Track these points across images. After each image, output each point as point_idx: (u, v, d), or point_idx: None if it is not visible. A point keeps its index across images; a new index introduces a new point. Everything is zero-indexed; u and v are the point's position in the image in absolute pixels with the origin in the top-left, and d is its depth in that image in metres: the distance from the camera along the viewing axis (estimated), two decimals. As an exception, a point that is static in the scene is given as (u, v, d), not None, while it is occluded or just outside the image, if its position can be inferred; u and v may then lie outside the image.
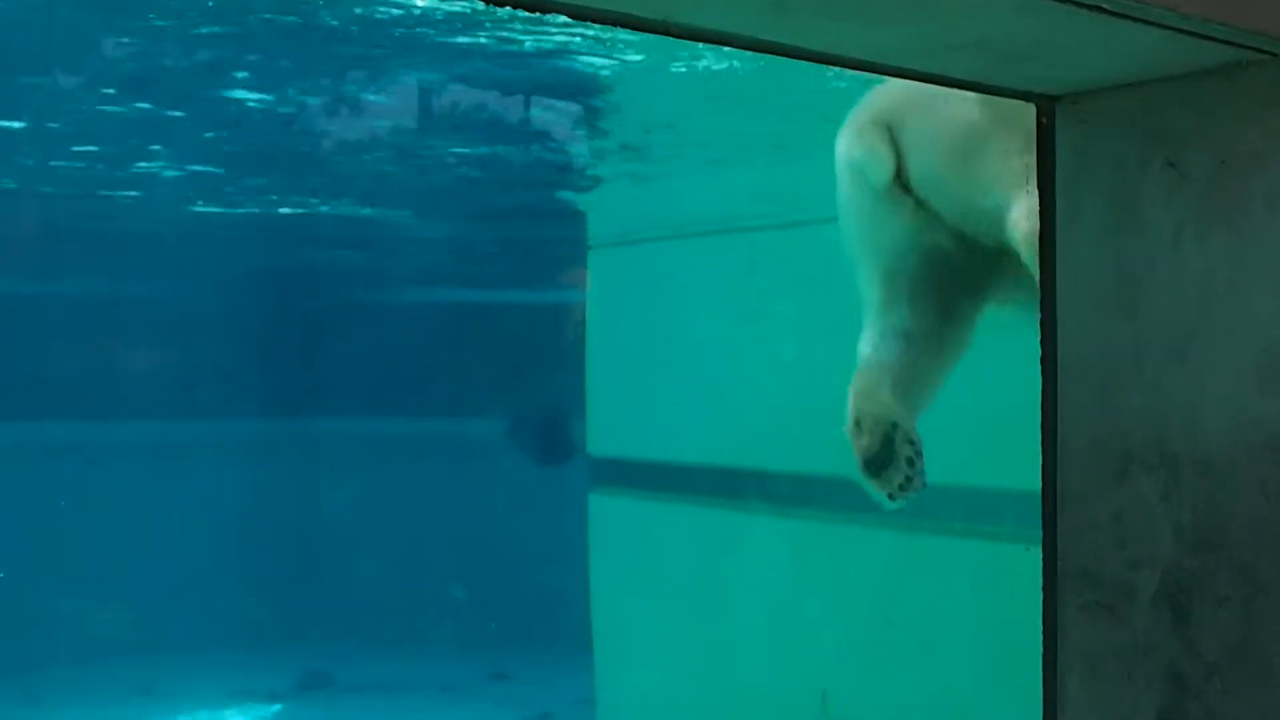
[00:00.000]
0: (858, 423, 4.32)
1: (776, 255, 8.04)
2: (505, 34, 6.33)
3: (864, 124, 4.23)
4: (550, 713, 12.29)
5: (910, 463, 4.33)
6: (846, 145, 4.33)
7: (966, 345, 4.56)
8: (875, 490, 4.38)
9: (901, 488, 4.35)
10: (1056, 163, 2.63)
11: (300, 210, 11.92)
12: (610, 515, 9.34)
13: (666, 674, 8.52)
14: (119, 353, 15.89)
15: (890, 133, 4.15)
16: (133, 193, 10.77)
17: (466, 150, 9.61)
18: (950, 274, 4.30)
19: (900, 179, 4.19)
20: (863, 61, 2.40)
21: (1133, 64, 2.39)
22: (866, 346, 4.44)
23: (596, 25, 2.13)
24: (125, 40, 7.31)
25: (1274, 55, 2.28)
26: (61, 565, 13.94)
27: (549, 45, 6.41)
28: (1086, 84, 2.53)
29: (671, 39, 2.12)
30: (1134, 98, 2.49)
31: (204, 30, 6.70)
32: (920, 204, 4.19)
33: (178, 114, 8.61)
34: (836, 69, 2.39)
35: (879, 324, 4.40)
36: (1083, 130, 2.58)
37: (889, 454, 4.31)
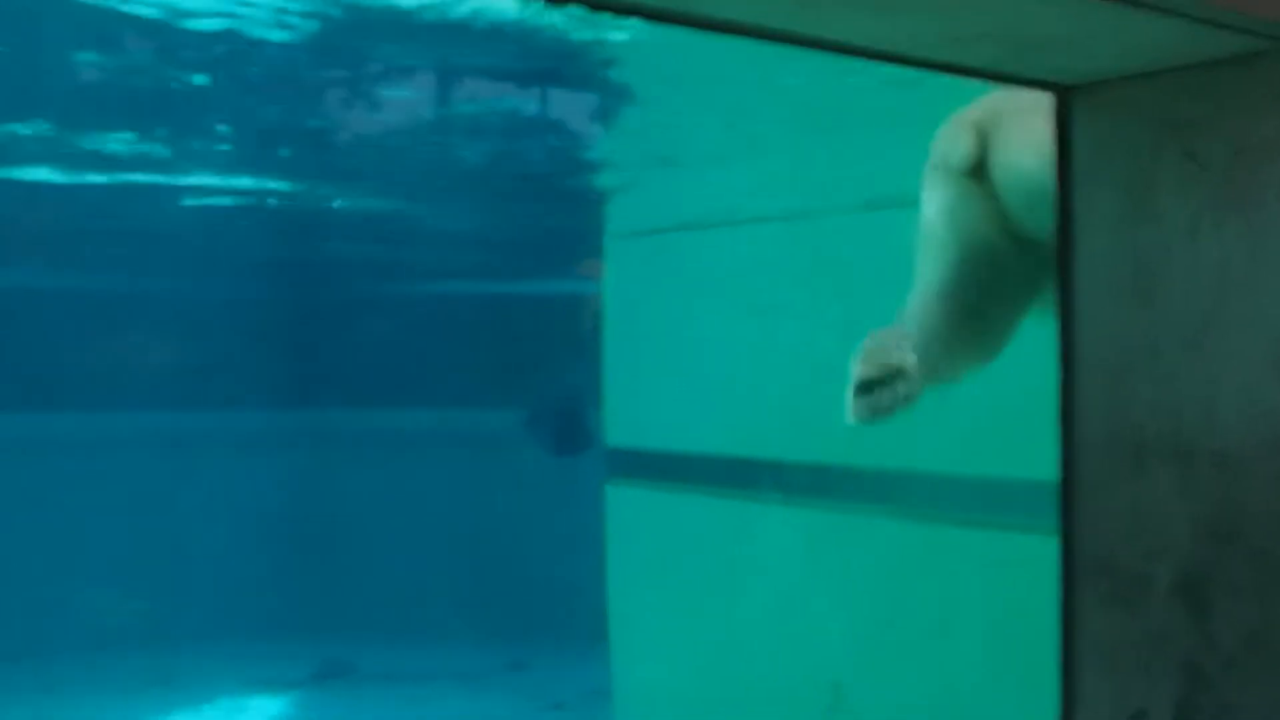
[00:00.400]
0: (864, 359, 4.35)
1: (793, 246, 8.04)
2: (521, 23, 6.34)
3: (958, 122, 4.47)
4: (565, 703, 12.31)
5: (906, 392, 4.32)
6: (936, 139, 4.58)
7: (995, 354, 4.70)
8: (853, 406, 4.36)
9: (877, 407, 4.32)
10: (1073, 153, 2.62)
11: (315, 203, 11.94)
12: (627, 506, 9.35)
13: (682, 665, 8.52)
14: (135, 344, 15.94)
15: (981, 132, 4.38)
16: (143, 179, 10.79)
17: (482, 141, 9.61)
18: (1003, 284, 4.45)
19: (984, 178, 4.38)
20: (878, 51, 2.40)
21: (1149, 53, 2.39)
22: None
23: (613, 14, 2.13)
24: (138, 32, 7.34)
25: (1291, 44, 2.28)
26: (79, 556, 14.00)
27: (565, 34, 6.41)
28: (1103, 73, 2.53)
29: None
30: (1150, 87, 2.49)
31: (216, 22, 6.71)
32: (1001, 209, 4.37)
33: (191, 106, 8.62)
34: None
35: (919, 318, 4.53)
36: (1099, 120, 2.58)
37: (886, 382, 4.32)
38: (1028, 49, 2.36)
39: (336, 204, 12.04)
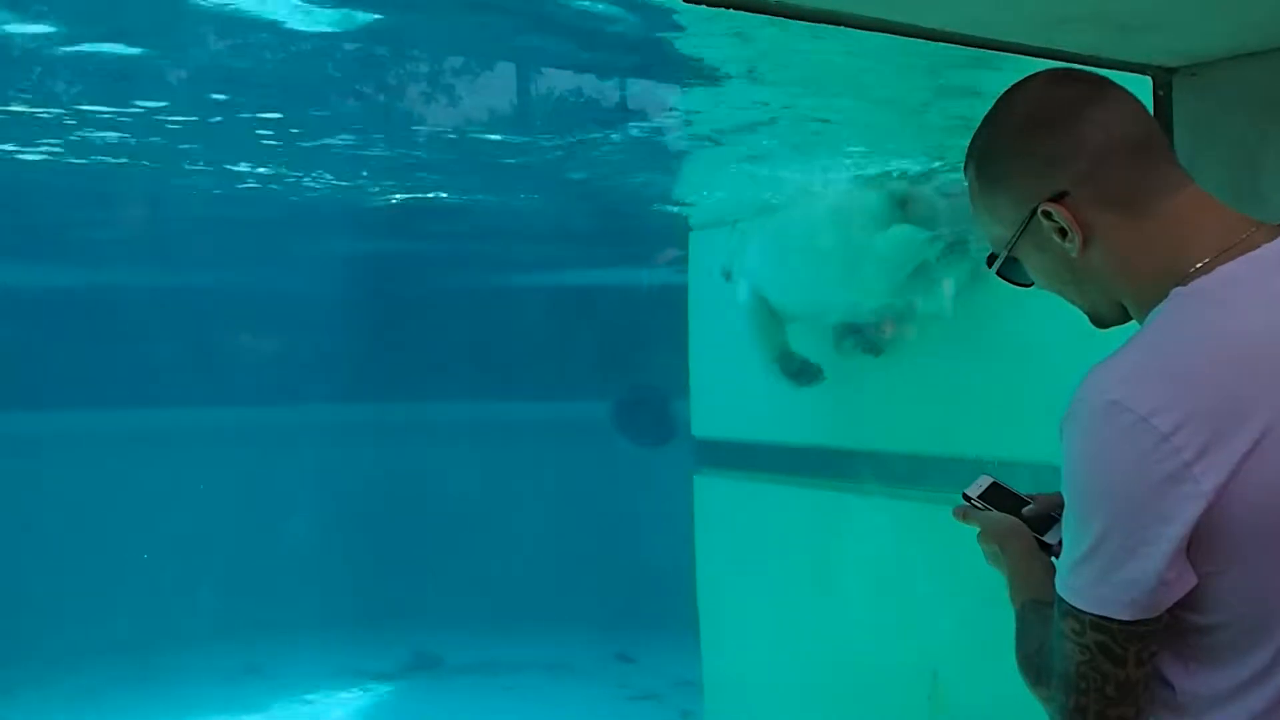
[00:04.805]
0: None
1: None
2: (594, 14, 6.32)
3: None
4: (657, 693, 12.31)
5: None
6: None
7: None
8: None
9: None
10: (1174, 136, 2.57)
11: (405, 197, 12.01)
12: (714, 496, 9.34)
13: (773, 655, 8.50)
14: (228, 338, 16.14)
15: None
16: (238, 175, 10.91)
17: (564, 133, 9.62)
18: None
19: None
20: (974, 38, 2.36)
21: (1252, 33, 2.34)
22: None
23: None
24: (226, 36, 7.41)
25: (1401, 21, 2.22)
26: (173, 546, 14.18)
27: (645, 26, 6.38)
28: (1204, 55, 2.48)
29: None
30: (1253, 68, 2.43)
31: (300, 24, 6.75)
32: None
33: (276, 106, 8.69)
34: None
35: None
36: (1201, 102, 2.53)
37: None
38: (1127, 31, 2.32)
39: (427, 198, 12.10)
